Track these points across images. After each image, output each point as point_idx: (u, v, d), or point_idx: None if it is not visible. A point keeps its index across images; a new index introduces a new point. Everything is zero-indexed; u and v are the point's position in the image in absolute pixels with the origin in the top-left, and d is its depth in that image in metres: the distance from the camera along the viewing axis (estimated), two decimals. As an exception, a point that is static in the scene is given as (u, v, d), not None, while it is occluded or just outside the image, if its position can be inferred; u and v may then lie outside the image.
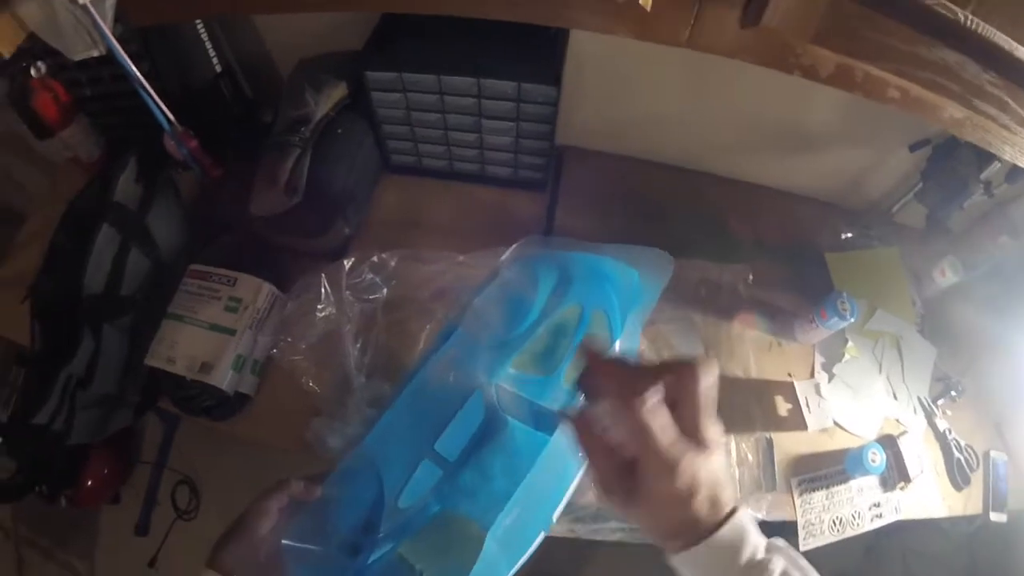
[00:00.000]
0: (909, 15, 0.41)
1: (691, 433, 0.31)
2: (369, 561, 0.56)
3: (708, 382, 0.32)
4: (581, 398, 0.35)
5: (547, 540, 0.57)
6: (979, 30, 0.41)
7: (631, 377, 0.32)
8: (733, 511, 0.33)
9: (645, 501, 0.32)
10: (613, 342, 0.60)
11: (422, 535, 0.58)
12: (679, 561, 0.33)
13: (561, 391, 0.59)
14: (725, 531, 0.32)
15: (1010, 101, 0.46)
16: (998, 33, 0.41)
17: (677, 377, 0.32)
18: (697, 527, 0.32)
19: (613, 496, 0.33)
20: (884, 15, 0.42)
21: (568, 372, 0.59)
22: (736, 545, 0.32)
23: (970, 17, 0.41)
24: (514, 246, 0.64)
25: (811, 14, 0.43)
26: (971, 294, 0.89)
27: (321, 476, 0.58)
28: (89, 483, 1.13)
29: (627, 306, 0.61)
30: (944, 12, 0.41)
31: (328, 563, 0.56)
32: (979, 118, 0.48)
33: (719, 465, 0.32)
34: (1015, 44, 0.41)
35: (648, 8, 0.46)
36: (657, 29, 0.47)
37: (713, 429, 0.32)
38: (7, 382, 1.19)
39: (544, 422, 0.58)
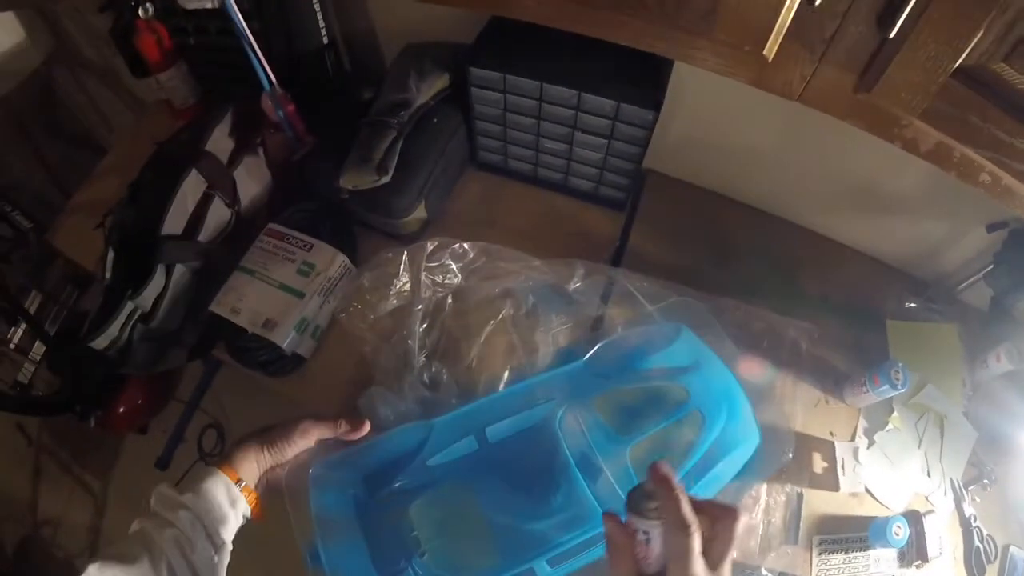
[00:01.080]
0: (1016, 108, 0.43)
1: (716, 566, 0.36)
2: (380, 496, 0.60)
3: (741, 525, 0.38)
4: (628, 506, 0.39)
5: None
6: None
7: (686, 506, 0.37)
8: None
9: None
10: (696, 449, 0.62)
11: (435, 500, 0.61)
12: None
13: (619, 456, 0.61)
14: None
15: (1099, 201, 0.47)
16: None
17: (718, 517, 0.38)
18: None
19: None
20: (993, 104, 0.44)
21: (634, 450, 0.61)
22: None
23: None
24: (670, 300, 0.67)
25: (925, 91, 0.44)
26: (1022, 384, 0.89)
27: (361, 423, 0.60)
28: (121, 409, 1.18)
29: (724, 439, 0.63)
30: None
31: (345, 491, 0.59)
32: (1065, 215, 0.49)
33: None
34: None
35: (770, 59, 0.48)
36: (773, 80, 0.49)
37: (729, 570, 0.37)
38: (59, 300, 1.25)
39: (586, 467, 0.61)
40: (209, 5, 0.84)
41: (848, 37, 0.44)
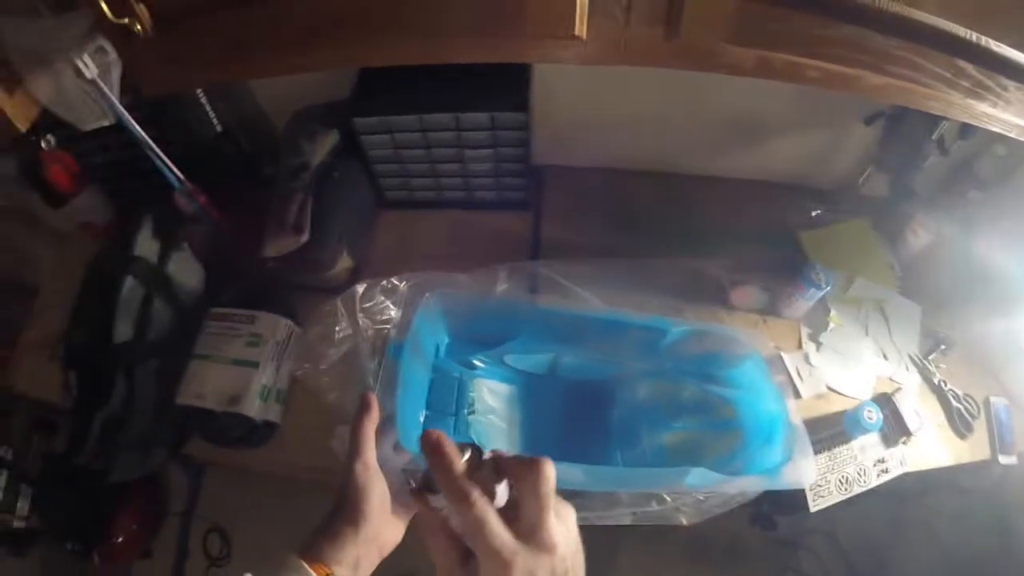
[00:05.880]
0: (803, 3, 0.51)
1: (531, 533, 0.32)
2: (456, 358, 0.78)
3: (550, 480, 0.33)
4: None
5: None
6: (869, 1, 0.50)
7: (459, 475, 0.33)
8: None
9: None
10: (727, 460, 0.75)
11: (495, 391, 0.77)
12: None
13: (659, 436, 0.79)
14: None
15: (920, 60, 0.55)
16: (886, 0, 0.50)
17: (520, 476, 0.34)
18: None
19: None
20: (782, 7, 0.52)
21: (671, 436, 0.79)
22: None
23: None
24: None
25: (719, 19, 0.53)
26: (948, 250, 0.99)
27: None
28: (120, 539, 1.22)
29: (756, 458, 0.73)
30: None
31: (439, 331, 0.77)
32: (897, 82, 0.57)
33: (562, 568, 0.33)
34: (907, 8, 0.51)
35: (584, 37, 0.57)
36: (595, 55, 0.57)
37: (557, 529, 0.33)
38: (30, 448, 1.29)
39: (624, 433, 0.78)
40: (106, 122, 0.93)
41: (642, -2, 0.52)
